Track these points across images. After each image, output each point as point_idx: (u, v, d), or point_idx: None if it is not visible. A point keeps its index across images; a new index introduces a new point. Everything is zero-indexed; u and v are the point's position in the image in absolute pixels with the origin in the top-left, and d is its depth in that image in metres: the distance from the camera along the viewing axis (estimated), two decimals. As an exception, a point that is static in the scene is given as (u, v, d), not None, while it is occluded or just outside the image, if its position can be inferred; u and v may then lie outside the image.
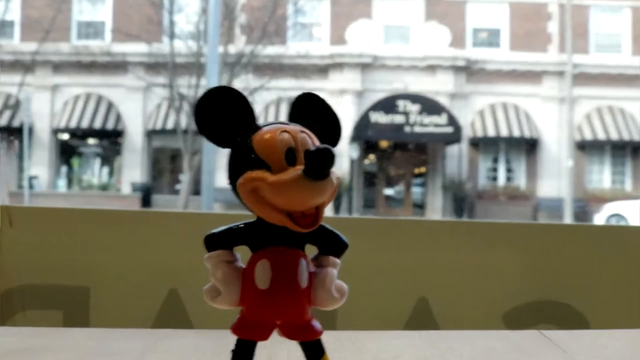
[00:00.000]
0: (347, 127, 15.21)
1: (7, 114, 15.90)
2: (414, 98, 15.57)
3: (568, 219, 14.34)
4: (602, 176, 16.35)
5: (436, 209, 15.77)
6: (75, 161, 16.50)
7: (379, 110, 15.45)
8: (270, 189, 0.52)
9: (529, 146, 16.26)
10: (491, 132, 15.92)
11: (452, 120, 15.30)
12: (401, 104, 15.47)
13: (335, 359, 0.61)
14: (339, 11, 16.44)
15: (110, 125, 16.13)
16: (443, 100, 15.81)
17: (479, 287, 1.30)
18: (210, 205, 8.96)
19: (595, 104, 16.10)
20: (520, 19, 16.47)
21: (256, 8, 15.59)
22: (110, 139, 16.76)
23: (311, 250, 0.59)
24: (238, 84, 14.94)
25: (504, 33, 16.62)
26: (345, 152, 15.09)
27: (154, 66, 15.62)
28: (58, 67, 16.27)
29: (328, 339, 0.59)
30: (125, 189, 16.06)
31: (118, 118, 16.19)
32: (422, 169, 16.75)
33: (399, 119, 15.39)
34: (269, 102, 15.72)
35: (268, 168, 0.53)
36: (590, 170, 16.30)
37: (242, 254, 0.58)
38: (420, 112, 15.38)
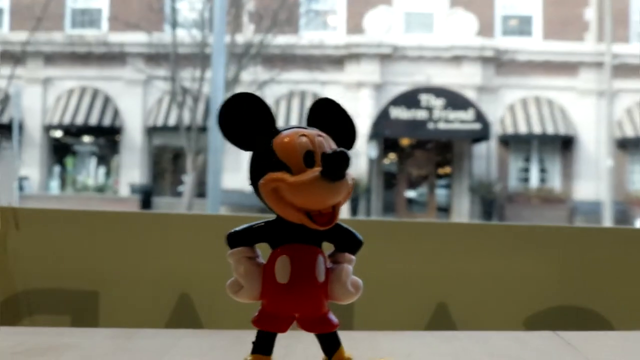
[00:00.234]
0: (364, 124, 15.25)
1: (-5, 110, 16.02)
2: (438, 92, 15.61)
3: (607, 223, 14.34)
4: (644, 177, 16.34)
5: (462, 213, 15.79)
6: (69, 161, 16.58)
7: (399, 105, 15.49)
8: (289, 189, 0.61)
9: (564, 144, 16.26)
10: (523, 129, 15.93)
11: (479, 116, 15.31)
12: (424, 98, 15.51)
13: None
14: (356, -3, 16.49)
15: (107, 121, 16.23)
16: (470, 94, 15.84)
17: (499, 290, 1.39)
18: (216, 208, 9.01)
19: (638, 97, 16.07)
20: (554, 4, 16.48)
21: (266, -6, 15.64)
22: (107, 137, 16.86)
23: (328, 248, 0.68)
24: (246, 77, 15.01)
25: (536, 20, 16.63)
26: (362, 151, 15.13)
27: (154, 57, 15.73)
28: (50, 58, 16.41)
29: (344, 338, 0.69)
30: (124, 190, 16.15)
31: (115, 114, 16.29)
32: (447, 170, 16.78)
33: (421, 114, 15.43)
34: (280, 96, 15.78)
35: (288, 170, 0.62)
36: (631, 170, 16.28)
37: (263, 251, 0.67)
38: (445, 107, 15.41)
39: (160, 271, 1.47)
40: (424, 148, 16.79)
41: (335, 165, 0.61)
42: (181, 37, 15.28)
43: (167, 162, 16.86)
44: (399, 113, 15.46)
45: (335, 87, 15.91)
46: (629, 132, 15.96)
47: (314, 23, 16.65)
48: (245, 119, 0.65)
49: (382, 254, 1.37)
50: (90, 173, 16.56)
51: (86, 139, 17.12)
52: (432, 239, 1.45)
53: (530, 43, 16.50)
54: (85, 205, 14.65)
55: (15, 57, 15.58)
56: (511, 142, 16.41)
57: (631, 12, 16.44)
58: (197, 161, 14.53)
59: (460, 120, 15.36)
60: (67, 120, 16.14)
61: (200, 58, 14.64)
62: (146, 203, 15.44)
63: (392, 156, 17.09)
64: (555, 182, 16.32)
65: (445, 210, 16.49)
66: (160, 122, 16.04)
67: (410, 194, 17.10)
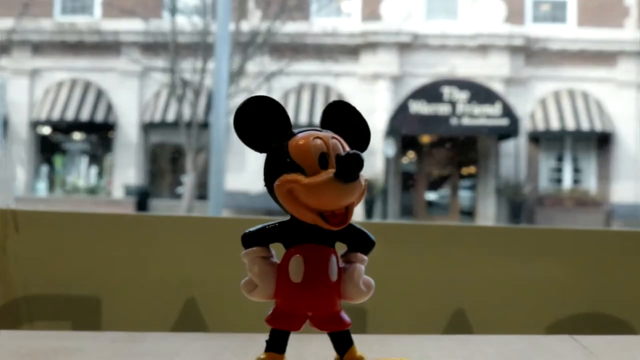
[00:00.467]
0: (381, 119, 15.30)
1: (-22, 104, 16.11)
2: (462, 84, 15.65)
3: (648, 229, 14.33)
4: (690, 178, 16.33)
5: (488, 217, 15.79)
6: (58, 160, 16.62)
7: (419, 98, 15.53)
8: (304, 190, 0.70)
9: (601, 141, 16.25)
10: (555, 125, 15.94)
11: (507, 111, 15.33)
12: (446, 91, 15.54)
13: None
14: (372, -20, 16.53)
15: (99, 117, 16.31)
16: (497, 87, 15.87)
17: (519, 295, 1.47)
18: (218, 211, 9.06)
19: (682, 90, 16.08)
20: (590, -12, 16.49)
21: (274, -23, 15.68)
22: (100, 134, 16.93)
23: (341, 248, 0.76)
24: (252, 68, 15.05)
25: (570, 5, 16.64)
26: (379, 149, 15.17)
27: (152, 47, 15.76)
28: (38, 48, 16.48)
29: (357, 341, 0.77)
30: (118, 192, 16.17)
31: (109, 109, 16.36)
32: (471, 170, 16.81)
33: (443, 109, 15.47)
34: (289, 89, 15.81)
35: (302, 171, 0.70)
36: (675, 170, 16.28)
37: (277, 251, 0.76)
38: (470, 101, 15.43)
39: (164, 275, 1.55)
40: (446, 146, 16.81)
41: (349, 167, 0.68)
42: (181, 25, 15.28)
43: (165, 161, 16.91)
44: (419, 107, 15.49)
45: (349, 79, 15.96)
46: (673, 129, 15.96)
47: (326, 9, 16.68)
48: (261, 121, 0.73)
49: (397, 257, 1.45)
50: (81, 173, 16.57)
51: (77, 136, 17.17)
52: (448, 242, 1.53)
53: (564, 30, 16.50)
54: (75, 209, 14.71)
55: (0, 47, 15.67)
56: (542, 139, 16.42)
57: (675, -4, 16.44)
58: (197, 160, 14.56)
59: (486, 115, 15.37)
60: (56, 115, 16.20)
61: (202, 47, 14.65)
62: (142, 206, 15.43)
63: (411, 155, 17.12)
64: (591, 183, 16.32)
65: (469, 213, 16.48)
66: (157, 118, 16.07)
67: (431, 196, 17.12)
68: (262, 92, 14.86)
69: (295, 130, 0.73)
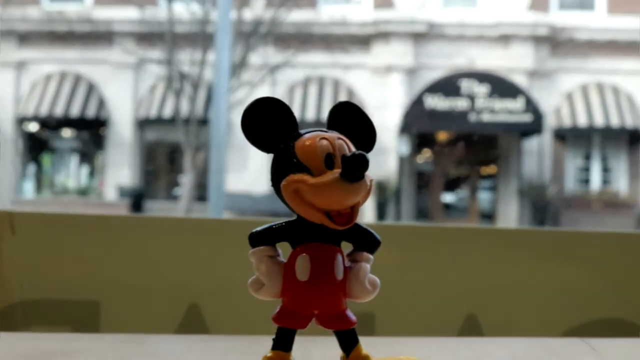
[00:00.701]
0: (394, 115, 15.33)
1: (-40, 99, 16.14)
2: (482, 77, 15.66)
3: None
4: None
5: (510, 220, 15.78)
6: (46, 159, 16.69)
7: (435, 92, 15.52)
8: (310, 190, 0.77)
9: (632, 139, 16.23)
10: (582, 121, 15.94)
11: (531, 106, 15.32)
12: (465, 84, 15.56)
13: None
14: (384, -35, 16.54)
15: (91, 112, 16.36)
16: (519, 80, 15.89)
17: (533, 299, 1.54)
18: (219, 214, 9.08)
19: None
20: (620, -27, 16.48)
21: (278, -38, 15.66)
22: (91, 131, 16.98)
23: (346, 247, 0.84)
24: (255, 60, 15.05)
25: (599, -8, 16.66)
26: (392, 147, 15.18)
27: (147, 37, 15.82)
28: (25, 38, 16.54)
29: (363, 343, 0.84)
30: (110, 193, 16.25)
31: (101, 103, 16.41)
32: (492, 169, 16.82)
33: (461, 104, 15.48)
34: (295, 82, 15.84)
35: (309, 171, 0.77)
36: None
37: (283, 250, 0.83)
38: (490, 95, 15.43)
39: (164, 278, 1.62)
40: (464, 144, 16.82)
41: (354, 167, 0.76)
42: (179, 13, 15.27)
43: (162, 160, 16.95)
44: (436, 102, 15.49)
45: (360, 72, 15.98)
46: None
47: (335, -4, 16.71)
48: (268, 122, 0.80)
49: (408, 259, 1.52)
50: (71, 173, 16.65)
51: (66, 133, 17.24)
52: (461, 244, 1.60)
53: (592, 18, 16.50)
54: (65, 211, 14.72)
55: (-16, 37, 15.74)
56: (568, 136, 16.44)
57: None
58: (196, 159, 14.57)
59: (507, 110, 15.36)
60: (43, 111, 16.26)
61: (201, 37, 14.63)
62: (136, 208, 15.50)
63: (427, 153, 17.14)
64: (621, 184, 16.32)
65: (489, 216, 16.52)
66: (153, 114, 16.13)
67: (448, 197, 17.13)
68: (266, 86, 14.95)
69: (302, 131, 0.80)
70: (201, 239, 1.64)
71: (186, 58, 14.93)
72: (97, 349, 1.08)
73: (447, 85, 15.55)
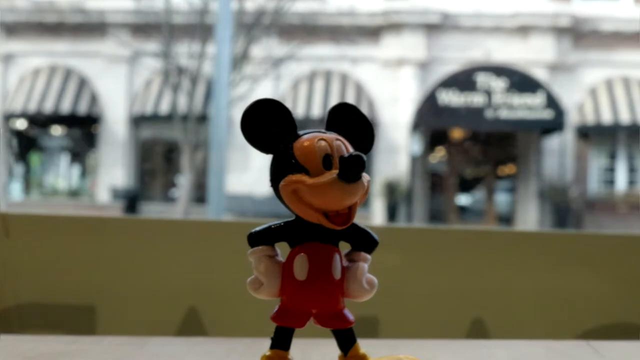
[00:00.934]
0: (406, 111, 15.35)
1: (-56, 94, 16.18)
2: (499, 71, 15.65)
3: None
4: None
5: (529, 223, 15.75)
6: (34, 158, 16.71)
7: (450, 87, 15.50)
8: (308, 190, 0.83)
9: (661, 137, 16.22)
10: (607, 118, 15.94)
11: (552, 102, 15.29)
12: (481, 79, 15.55)
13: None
14: (395, -49, 16.53)
15: (82, 109, 16.40)
16: (540, 74, 15.90)
17: (540, 302, 1.61)
18: (219, 216, 9.10)
19: None
20: (648, -40, 16.47)
21: (282, -53, 15.62)
22: (83, 128, 17.01)
23: (344, 247, 0.90)
24: (258, 52, 15.05)
25: (625, -20, 16.66)
26: (403, 146, 15.22)
27: (142, 28, 15.85)
28: (12, 30, 16.54)
29: (366, 346, 0.91)
30: (103, 195, 16.30)
31: (93, 99, 16.45)
32: (510, 169, 16.81)
33: (477, 99, 15.48)
34: (300, 76, 15.83)
35: (307, 172, 0.84)
36: None
37: (282, 250, 0.89)
38: (508, 90, 15.41)
39: (161, 281, 1.68)
40: (480, 142, 16.82)
41: (351, 168, 0.82)
42: (176, 3, 15.22)
43: (158, 159, 16.96)
44: (450, 98, 15.47)
45: (369, 65, 15.99)
46: None
47: (342, -15, 16.70)
48: (268, 123, 0.87)
49: (414, 262, 1.59)
50: (61, 173, 16.66)
51: (56, 130, 17.28)
52: (470, 247, 1.66)
53: (617, 8, 16.48)
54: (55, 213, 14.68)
55: (-31, 28, 15.78)
56: (592, 134, 16.44)
57: None
58: (195, 158, 14.51)
59: (527, 106, 15.35)
60: (32, 107, 16.30)
61: (200, 29, 14.61)
62: (131, 210, 15.52)
63: (440, 152, 17.13)
64: (648, 185, 16.32)
65: (507, 220, 16.52)
66: (149, 110, 16.18)
67: (463, 199, 17.12)
68: (269, 80, 14.97)
69: (301, 132, 0.87)
70: (198, 241, 1.70)
71: (184, 51, 14.86)
72: (95, 352, 1.13)
73: (462, 80, 15.54)
